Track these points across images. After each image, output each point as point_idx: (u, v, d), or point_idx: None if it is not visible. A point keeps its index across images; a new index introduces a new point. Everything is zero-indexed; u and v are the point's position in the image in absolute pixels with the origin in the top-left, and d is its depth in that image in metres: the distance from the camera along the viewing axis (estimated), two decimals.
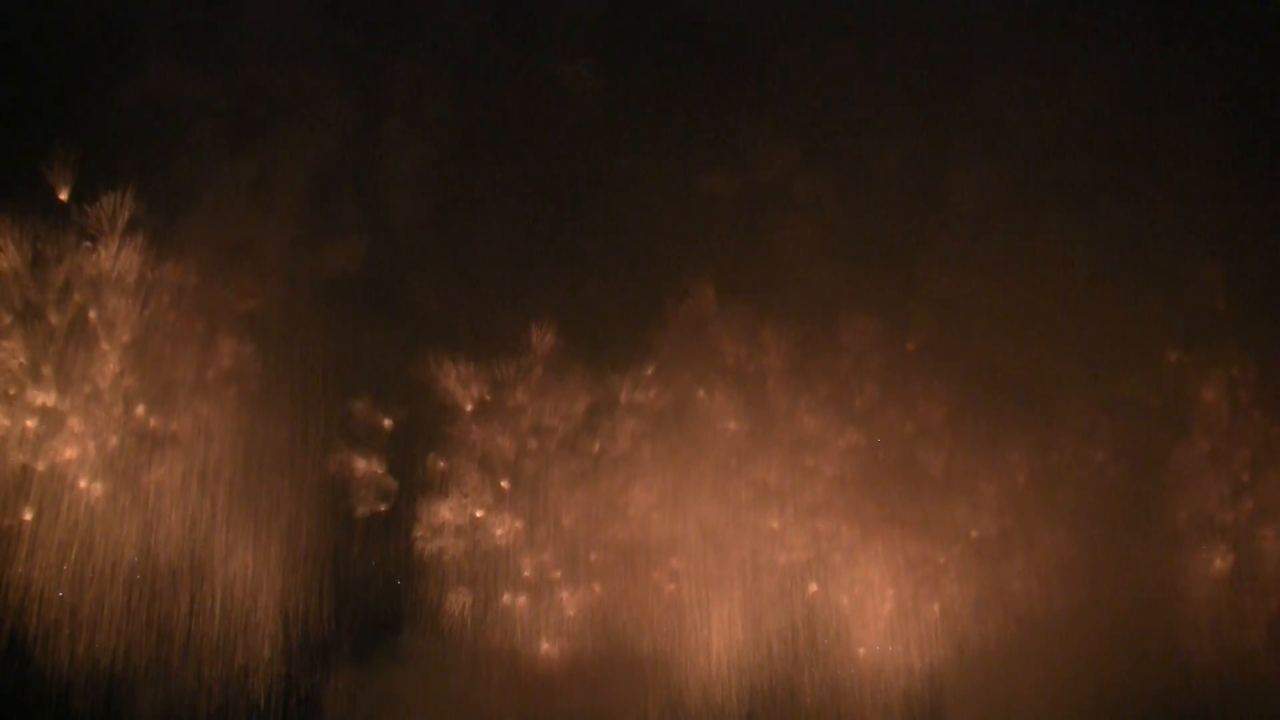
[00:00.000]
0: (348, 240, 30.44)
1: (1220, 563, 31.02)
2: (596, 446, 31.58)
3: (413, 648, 30.11)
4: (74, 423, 28.45)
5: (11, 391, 28.01)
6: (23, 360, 28.08)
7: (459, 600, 30.62)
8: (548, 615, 30.63)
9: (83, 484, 28.28)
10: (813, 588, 31.25)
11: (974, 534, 31.16)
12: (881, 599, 31.14)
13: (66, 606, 27.71)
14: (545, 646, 30.18)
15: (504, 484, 31.27)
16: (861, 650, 31.02)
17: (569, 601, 30.72)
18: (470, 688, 29.57)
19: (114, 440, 28.66)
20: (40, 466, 28.03)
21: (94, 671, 27.94)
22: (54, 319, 28.46)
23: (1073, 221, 32.28)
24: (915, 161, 33.20)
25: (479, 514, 31.04)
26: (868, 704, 30.87)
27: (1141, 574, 30.08)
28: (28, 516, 27.77)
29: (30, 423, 28.00)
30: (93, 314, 28.68)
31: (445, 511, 30.84)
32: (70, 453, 28.20)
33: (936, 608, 31.14)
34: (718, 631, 30.64)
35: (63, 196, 28.59)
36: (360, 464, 30.76)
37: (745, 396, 32.03)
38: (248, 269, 29.53)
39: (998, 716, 30.04)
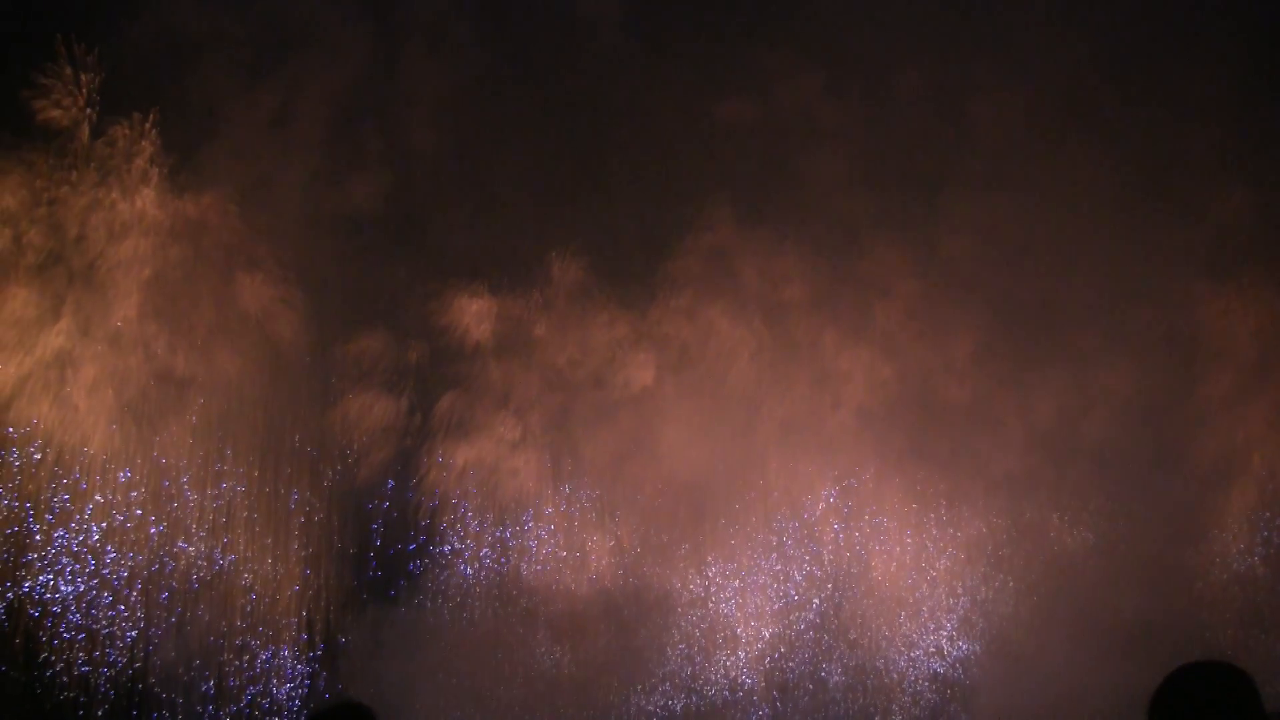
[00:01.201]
0: (368, 174, 29.74)
1: (1248, 500, 30.89)
2: (620, 381, 31.24)
3: (436, 589, 29.94)
4: (89, 371, 27.91)
5: (25, 339, 27.43)
6: (37, 308, 27.50)
7: (482, 541, 30.45)
8: (574, 554, 30.47)
9: (98, 438, 27.78)
10: (836, 525, 31.11)
11: (999, 470, 30.92)
12: (904, 536, 31.05)
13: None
14: (572, 586, 30.00)
15: (526, 422, 30.99)
16: (885, 588, 30.95)
17: (595, 540, 30.57)
18: (496, 628, 29.41)
19: (131, 390, 28.14)
20: (54, 419, 27.51)
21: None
22: (66, 262, 27.86)
23: (1098, 147, 31.60)
24: (939, 86, 32.57)
25: (502, 453, 30.76)
26: (896, 639, 30.86)
27: (1168, 511, 29.89)
28: (39, 475, 27.31)
29: (44, 373, 27.41)
30: (107, 256, 28.04)
31: (467, 451, 30.55)
32: (85, 403, 27.66)
33: (960, 541, 31.05)
34: (745, 570, 30.55)
35: (75, 134, 27.86)
36: (380, 404, 30.36)
37: (769, 328, 31.68)
38: (267, 206, 28.89)
39: (1022, 652, 30.04)
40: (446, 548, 30.06)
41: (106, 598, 27.19)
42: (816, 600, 30.70)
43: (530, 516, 30.61)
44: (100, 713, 26.97)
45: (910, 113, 32.44)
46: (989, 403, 31.02)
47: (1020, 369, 31.07)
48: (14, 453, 26.72)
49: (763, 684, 30.28)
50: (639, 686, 29.50)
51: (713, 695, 29.97)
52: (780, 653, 30.43)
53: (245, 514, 28.69)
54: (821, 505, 31.02)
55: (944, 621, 30.73)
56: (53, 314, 27.39)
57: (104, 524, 27.39)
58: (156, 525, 27.70)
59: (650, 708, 29.68)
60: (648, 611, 29.69)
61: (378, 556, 29.97)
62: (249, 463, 28.86)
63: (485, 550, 30.26)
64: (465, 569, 30.21)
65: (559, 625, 29.40)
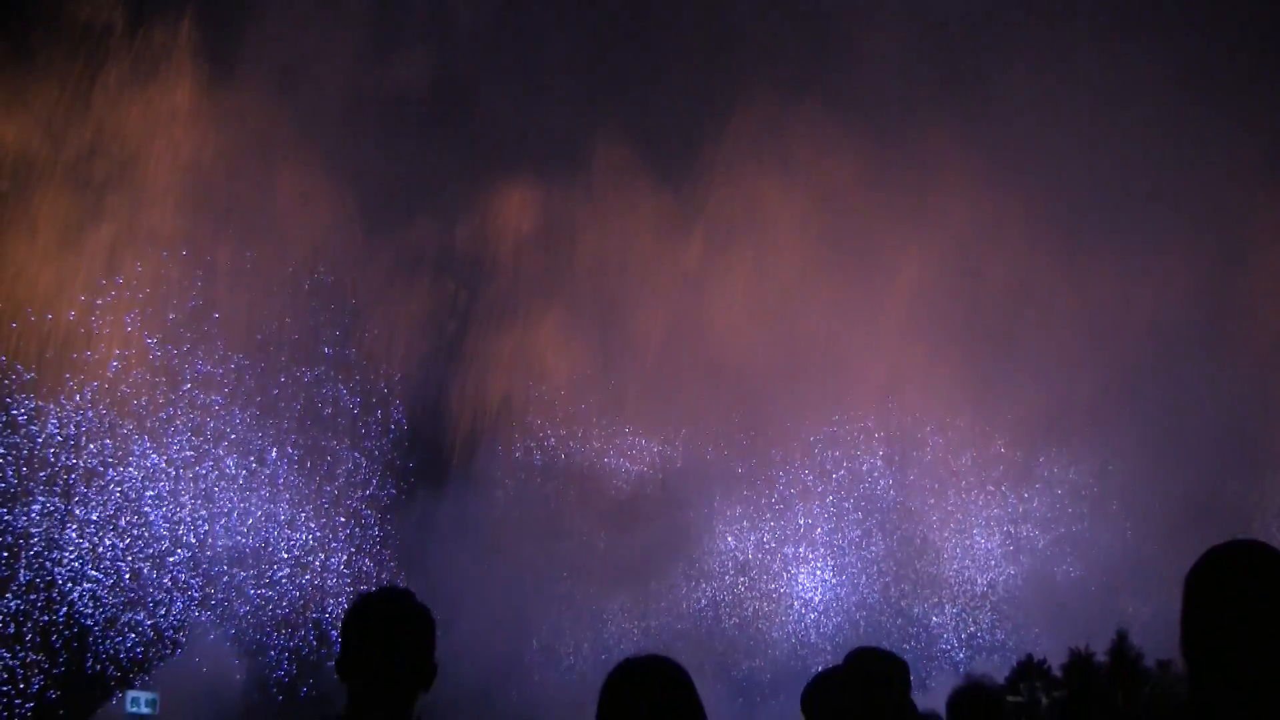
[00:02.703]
0: (412, 54, 28.73)
1: None
2: (668, 261, 30.82)
3: (489, 476, 29.87)
4: (129, 271, 27.34)
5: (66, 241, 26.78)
6: (76, 210, 26.80)
7: (535, 425, 30.32)
8: (626, 436, 30.32)
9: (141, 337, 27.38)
10: (889, 403, 30.84)
11: (1047, 347, 30.58)
12: (955, 413, 30.82)
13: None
14: (625, 465, 29.80)
15: (574, 305, 30.68)
16: (933, 459, 30.90)
17: (648, 421, 30.41)
18: (553, 510, 29.27)
19: (172, 284, 27.62)
20: (94, 324, 27.06)
21: None
22: (107, 157, 27.12)
23: (1152, 35, 30.55)
24: None
25: (550, 337, 30.48)
26: (940, 511, 30.89)
27: (1219, 390, 29.58)
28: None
29: (85, 277, 26.88)
30: (145, 153, 27.25)
31: (515, 337, 30.27)
32: (127, 305, 27.19)
33: (1010, 419, 30.79)
34: (798, 448, 30.28)
35: (110, 32, 26.86)
36: (425, 291, 29.98)
37: (818, 204, 31.12)
38: (308, 90, 27.98)
39: (1075, 534, 30.18)
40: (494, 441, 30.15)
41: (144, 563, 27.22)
42: (866, 485, 30.77)
43: (578, 401, 30.60)
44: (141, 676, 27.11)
45: None
46: (1041, 281, 30.64)
47: (1073, 249, 30.61)
48: (53, 422, 26.42)
49: (820, 552, 30.62)
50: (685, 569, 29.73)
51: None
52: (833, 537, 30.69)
53: (292, 335, 28.73)
54: (873, 380, 30.75)
55: (989, 489, 30.77)
56: (93, 216, 26.79)
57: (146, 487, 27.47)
58: (198, 498, 27.61)
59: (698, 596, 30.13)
60: (698, 491, 29.54)
61: (426, 447, 30.03)
62: (295, 293, 28.63)
63: (535, 436, 30.20)
64: (515, 454, 30.21)
65: (609, 507, 29.26)
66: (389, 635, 3.72)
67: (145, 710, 23.44)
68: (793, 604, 30.02)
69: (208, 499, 27.63)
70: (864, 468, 30.90)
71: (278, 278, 28.13)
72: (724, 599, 30.48)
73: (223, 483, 27.78)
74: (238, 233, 27.72)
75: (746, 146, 30.65)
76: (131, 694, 23.90)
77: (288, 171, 27.90)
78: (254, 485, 28.10)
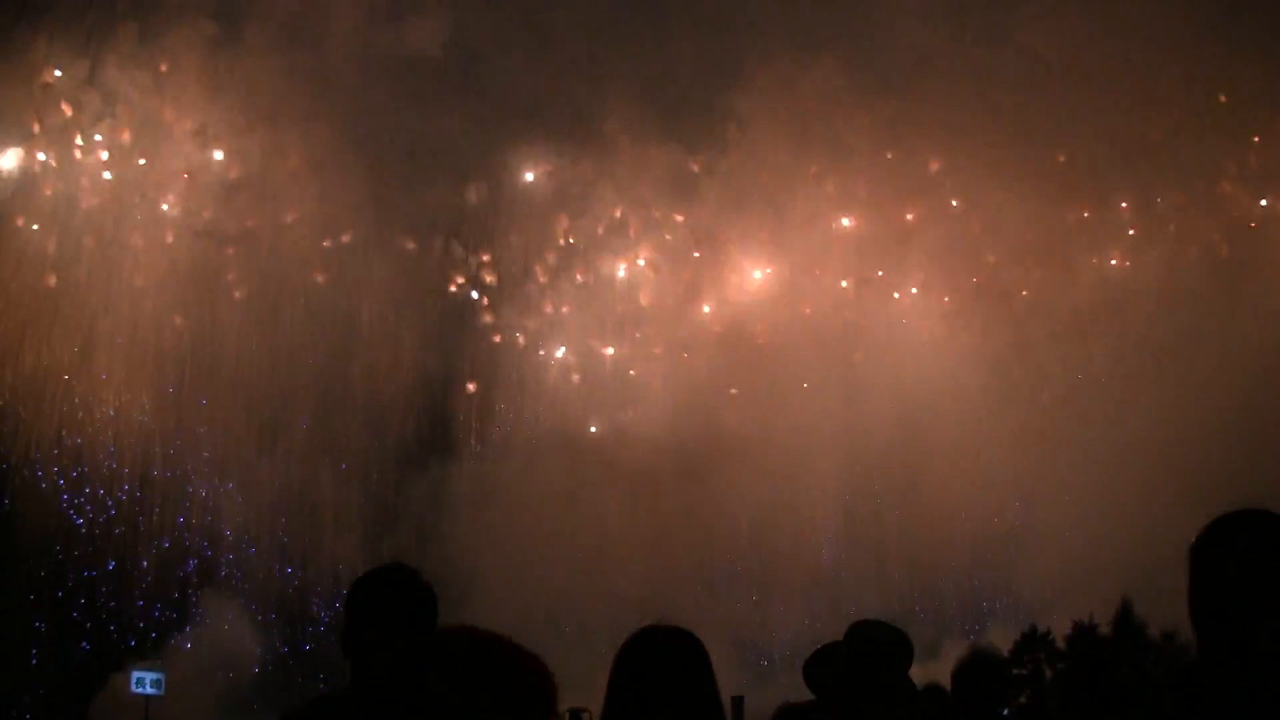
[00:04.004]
0: (423, 15, 28.37)
1: None
2: (682, 222, 30.54)
3: (501, 440, 29.82)
4: (146, 225, 27.28)
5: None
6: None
7: (546, 389, 30.22)
8: (645, 400, 30.16)
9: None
10: (908, 361, 30.52)
11: (1066, 308, 30.27)
12: (977, 369, 30.52)
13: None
14: (643, 432, 29.53)
15: (587, 269, 30.48)
16: (946, 427, 30.65)
17: (665, 385, 30.21)
18: (568, 482, 28.93)
19: (187, 240, 27.55)
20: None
21: None
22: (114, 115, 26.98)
23: None
24: None
25: (564, 297, 30.33)
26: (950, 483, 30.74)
27: (1241, 347, 29.17)
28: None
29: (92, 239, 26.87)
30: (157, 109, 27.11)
31: (529, 296, 30.11)
32: (145, 254, 27.18)
33: (1024, 374, 30.44)
34: (817, 408, 30.02)
35: None
36: (437, 249, 29.77)
37: (833, 163, 30.76)
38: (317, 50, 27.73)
39: (1084, 501, 30.00)
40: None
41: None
42: (878, 450, 30.59)
43: (590, 369, 30.49)
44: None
45: None
46: (1059, 233, 30.28)
47: (1090, 199, 30.29)
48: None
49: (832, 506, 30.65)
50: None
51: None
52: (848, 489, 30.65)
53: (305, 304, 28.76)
54: (891, 345, 30.47)
55: (1005, 473, 30.53)
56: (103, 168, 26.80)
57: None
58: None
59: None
60: (718, 456, 29.28)
61: (439, 419, 30.01)
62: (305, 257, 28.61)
63: (546, 404, 30.15)
64: (527, 423, 30.19)
65: (622, 478, 29.01)
66: (389, 612, 3.88)
67: (151, 690, 23.15)
68: (804, 576, 30.07)
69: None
70: (875, 432, 30.75)
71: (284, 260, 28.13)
72: (735, 572, 30.70)
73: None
74: (246, 203, 27.79)
75: (760, 105, 30.30)
76: (136, 673, 23.54)
77: (297, 137, 27.76)
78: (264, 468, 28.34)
